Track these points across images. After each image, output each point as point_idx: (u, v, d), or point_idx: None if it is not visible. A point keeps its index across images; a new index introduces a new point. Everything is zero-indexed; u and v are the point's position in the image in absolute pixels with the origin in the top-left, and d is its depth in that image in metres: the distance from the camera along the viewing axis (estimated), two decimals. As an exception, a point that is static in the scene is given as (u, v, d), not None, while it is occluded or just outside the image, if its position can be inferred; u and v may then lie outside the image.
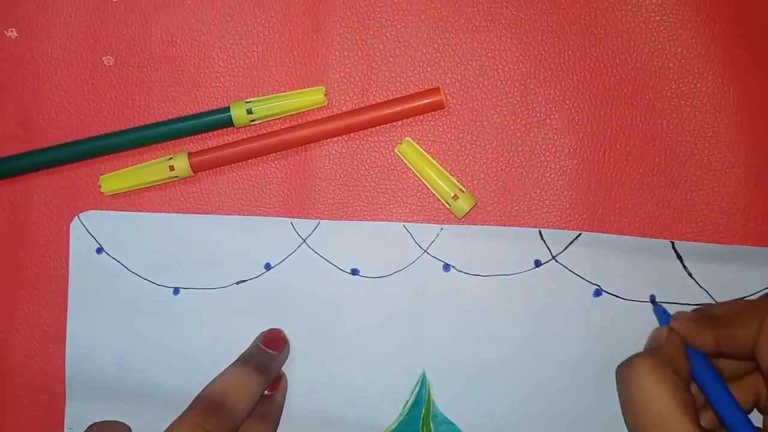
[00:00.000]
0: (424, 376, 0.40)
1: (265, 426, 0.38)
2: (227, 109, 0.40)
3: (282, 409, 0.40)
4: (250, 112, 0.40)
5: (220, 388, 0.36)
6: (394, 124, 0.40)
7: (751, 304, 0.34)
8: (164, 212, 0.42)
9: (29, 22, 0.43)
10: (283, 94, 0.41)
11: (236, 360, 0.38)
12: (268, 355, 0.39)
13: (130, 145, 0.41)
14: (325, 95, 0.40)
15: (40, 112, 0.42)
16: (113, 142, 0.41)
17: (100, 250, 0.42)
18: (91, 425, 0.38)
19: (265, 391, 0.38)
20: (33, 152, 0.41)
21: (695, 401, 0.33)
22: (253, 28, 0.42)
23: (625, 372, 0.34)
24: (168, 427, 0.34)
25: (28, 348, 0.42)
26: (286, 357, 0.40)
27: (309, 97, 0.40)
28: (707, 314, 0.35)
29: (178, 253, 0.41)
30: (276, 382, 0.39)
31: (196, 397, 0.35)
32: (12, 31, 0.43)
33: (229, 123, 0.40)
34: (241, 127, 0.41)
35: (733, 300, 0.37)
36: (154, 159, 0.41)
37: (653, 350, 0.35)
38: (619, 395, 0.34)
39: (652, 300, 0.39)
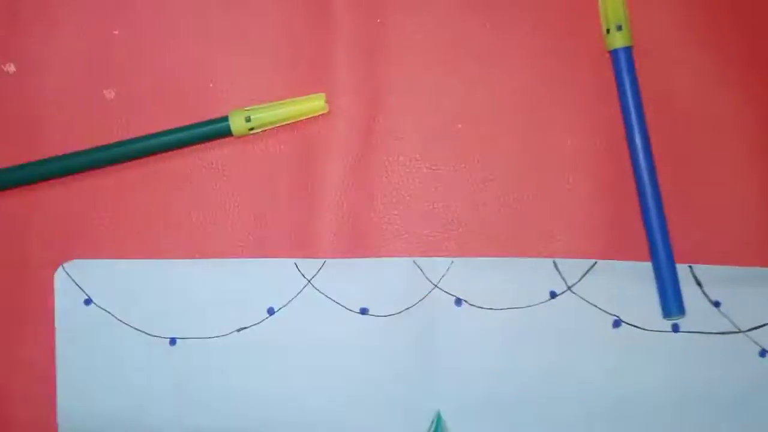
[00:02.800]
0: (439, 417, 0.38)
1: None
2: (225, 119, 0.39)
3: None
4: (248, 120, 0.39)
5: None
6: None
7: None
8: (159, 258, 0.40)
9: (28, 55, 0.41)
10: (283, 101, 0.39)
11: None
12: None
13: (124, 157, 0.39)
14: (327, 102, 0.39)
15: (40, 149, 0.40)
16: (105, 155, 0.39)
17: (88, 302, 0.40)
18: None
19: None
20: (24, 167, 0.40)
21: None
22: (257, 53, 0.40)
23: None
24: None
25: (23, 395, 0.40)
26: None
27: (309, 105, 0.39)
28: None
29: (173, 302, 0.39)
30: None
31: None
32: (10, 65, 0.41)
33: (227, 132, 0.39)
34: (240, 137, 0.39)
35: None
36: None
37: None
38: None
39: (675, 329, 0.38)
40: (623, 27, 0.38)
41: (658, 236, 0.38)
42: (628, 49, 0.38)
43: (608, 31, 0.38)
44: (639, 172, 0.38)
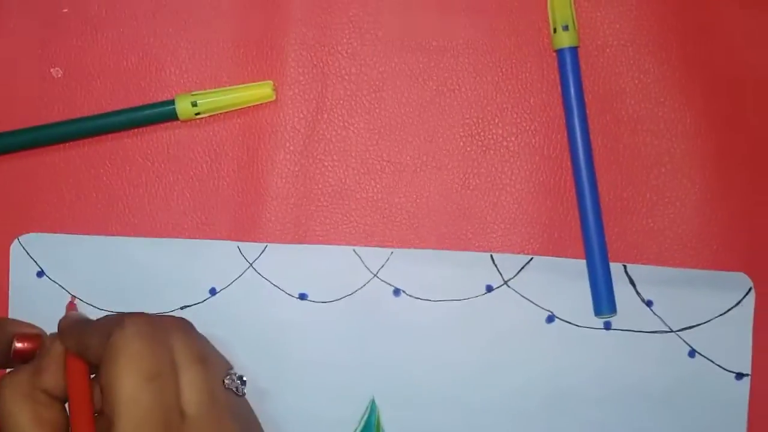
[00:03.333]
0: (373, 402, 0.39)
1: None
2: (172, 102, 0.39)
3: None
4: (195, 104, 0.39)
5: None
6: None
7: (114, 318, 0.32)
8: (108, 235, 0.40)
9: (-27, 32, 0.41)
10: (231, 87, 0.40)
11: None
12: None
13: (70, 136, 0.40)
14: (274, 90, 0.40)
15: None
16: (52, 133, 0.40)
17: (41, 274, 0.41)
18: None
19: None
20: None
21: (61, 419, 0.32)
22: (206, 40, 0.40)
23: None
24: None
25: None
26: None
27: (256, 91, 0.40)
28: (91, 320, 0.34)
29: (121, 277, 0.40)
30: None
31: None
32: (-46, 42, 0.41)
33: (173, 116, 0.39)
34: (186, 121, 0.40)
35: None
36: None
37: (29, 362, 0.34)
38: None
39: (606, 327, 0.39)
40: (570, 27, 0.38)
41: (593, 235, 0.38)
42: (573, 49, 0.38)
43: (555, 30, 0.39)
44: (578, 172, 0.38)
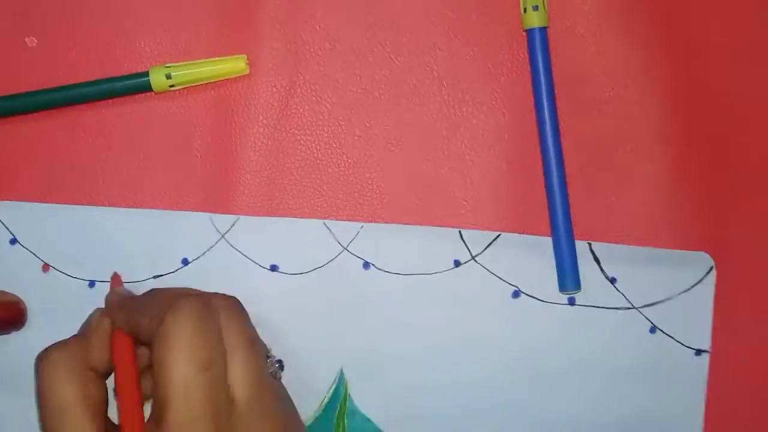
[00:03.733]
0: (341, 373, 0.40)
1: None
2: (146, 74, 0.40)
3: None
4: (169, 77, 0.40)
5: None
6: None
7: (168, 297, 0.33)
8: (81, 204, 0.41)
9: (-55, 0, 0.41)
10: (205, 60, 0.40)
11: None
12: None
13: (45, 105, 0.40)
14: (247, 64, 0.40)
15: None
16: (26, 102, 0.40)
17: (13, 241, 0.41)
18: None
19: None
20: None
21: (104, 395, 0.33)
22: (180, 12, 0.41)
23: (36, 364, 0.34)
24: None
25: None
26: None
27: (230, 65, 0.40)
28: (140, 296, 0.35)
29: (94, 246, 0.41)
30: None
31: None
32: (-74, 9, 0.41)
33: (147, 88, 0.40)
34: (160, 93, 0.40)
35: (178, 288, 0.37)
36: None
37: (75, 336, 0.35)
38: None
39: (571, 302, 0.40)
40: (540, 7, 0.39)
41: (559, 213, 0.39)
42: (543, 30, 0.39)
43: (525, 10, 0.39)
44: (546, 150, 0.39)
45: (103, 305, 0.39)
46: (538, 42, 0.39)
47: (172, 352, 0.30)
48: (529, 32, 0.39)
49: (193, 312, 0.32)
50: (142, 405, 0.34)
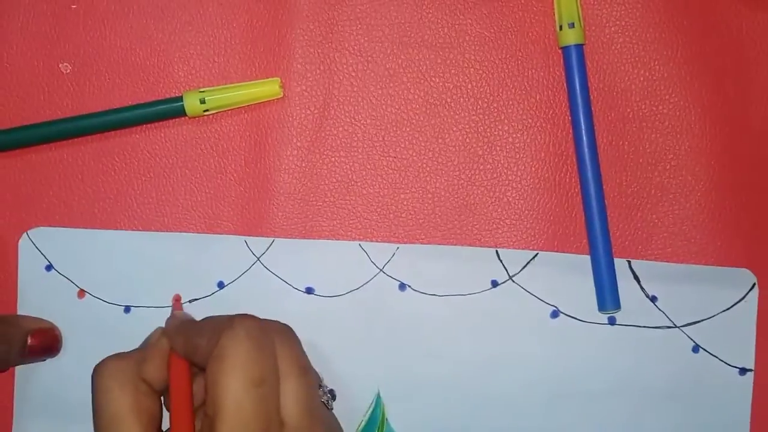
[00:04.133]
0: (378, 396, 0.40)
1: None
2: (180, 99, 0.40)
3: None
4: (203, 101, 0.39)
5: None
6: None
7: (223, 319, 0.33)
8: (115, 229, 0.41)
9: (-17, 27, 0.42)
10: (238, 84, 0.40)
11: None
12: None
13: (79, 132, 0.40)
14: (281, 87, 0.40)
15: None
16: (61, 128, 0.40)
17: (49, 268, 0.41)
18: None
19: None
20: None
21: (157, 409, 0.34)
22: (214, 36, 0.41)
23: (93, 374, 0.34)
24: None
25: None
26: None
27: (264, 88, 0.40)
28: (199, 321, 0.35)
29: (129, 271, 0.41)
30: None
31: None
32: (-37, 34, 0.42)
33: (181, 112, 0.40)
34: (194, 118, 0.40)
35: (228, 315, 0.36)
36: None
37: (137, 350, 0.36)
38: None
39: (611, 322, 0.39)
40: (576, 24, 0.38)
41: (598, 231, 0.38)
42: (579, 47, 0.39)
43: (561, 27, 0.39)
44: (583, 168, 0.39)
45: (138, 330, 0.38)
46: (574, 59, 0.38)
47: (225, 369, 0.31)
48: (565, 50, 0.39)
49: (248, 332, 0.32)
50: (194, 425, 0.34)
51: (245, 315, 0.33)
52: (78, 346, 0.41)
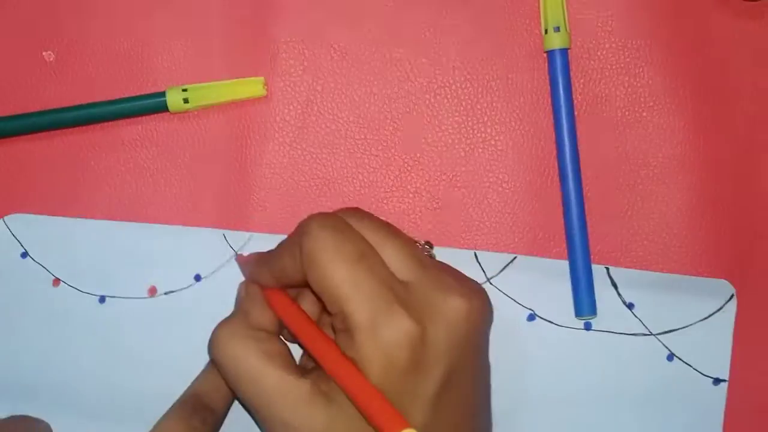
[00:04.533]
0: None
1: None
2: (163, 94, 0.40)
3: None
4: (186, 101, 0.39)
5: (202, 389, 0.36)
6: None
7: (293, 232, 0.33)
8: (93, 218, 0.40)
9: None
10: (222, 82, 0.40)
11: (207, 364, 0.38)
12: None
13: (61, 124, 0.40)
14: (265, 86, 0.40)
15: None
16: (43, 120, 0.40)
17: (24, 255, 0.41)
18: (10, 417, 0.37)
19: None
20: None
21: (284, 349, 0.33)
22: (198, 31, 0.40)
23: (209, 350, 0.34)
24: (158, 424, 0.34)
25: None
26: None
27: (248, 87, 0.40)
28: (268, 251, 0.35)
29: (105, 261, 0.40)
30: None
31: (183, 395, 0.36)
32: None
33: (164, 108, 0.40)
34: (176, 113, 0.40)
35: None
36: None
37: (234, 311, 0.36)
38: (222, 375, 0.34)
39: (587, 327, 0.39)
40: (561, 29, 0.38)
41: (576, 237, 0.38)
42: (564, 51, 0.39)
43: (546, 31, 0.39)
44: (564, 173, 0.39)
45: (112, 320, 0.40)
46: (559, 64, 0.38)
47: (324, 263, 0.31)
48: (550, 54, 0.38)
49: (322, 224, 0.32)
50: (325, 334, 0.33)
51: (310, 216, 0.33)
52: (52, 335, 0.40)
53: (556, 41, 0.38)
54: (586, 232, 0.38)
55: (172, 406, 0.35)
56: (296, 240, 0.32)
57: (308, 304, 0.36)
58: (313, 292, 0.33)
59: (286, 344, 0.34)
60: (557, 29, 0.38)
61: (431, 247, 0.36)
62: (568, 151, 0.38)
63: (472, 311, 0.32)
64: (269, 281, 0.35)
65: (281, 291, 0.35)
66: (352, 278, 0.31)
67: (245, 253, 0.39)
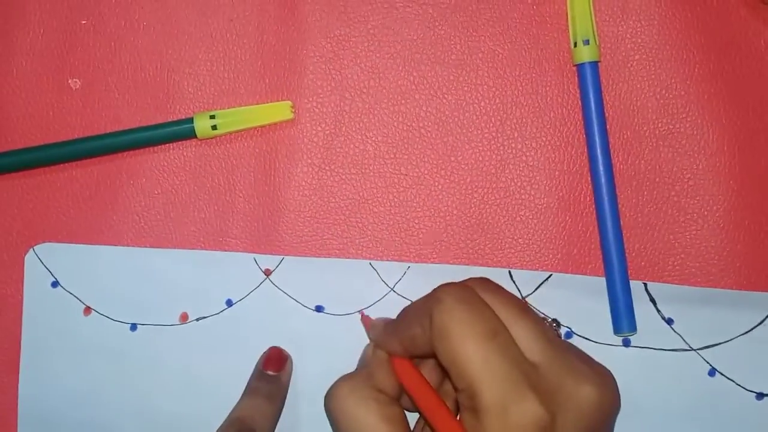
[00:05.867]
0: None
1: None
2: (190, 120, 0.39)
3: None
4: (215, 128, 0.39)
5: (244, 413, 0.36)
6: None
7: (423, 300, 0.33)
8: (123, 245, 0.40)
9: (-7, 41, 0.41)
10: (249, 107, 0.40)
11: (245, 389, 0.38)
12: (270, 380, 0.38)
13: (88, 153, 0.40)
14: (293, 110, 0.39)
15: (3, 137, 0.41)
16: (70, 150, 0.40)
17: (55, 284, 0.40)
18: None
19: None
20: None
21: (403, 414, 0.33)
22: (224, 53, 0.40)
23: (328, 401, 0.33)
24: None
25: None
26: (290, 371, 0.39)
27: (275, 111, 0.40)
28: (397, 317, 0.35)
29: (136, 288, 0.40)
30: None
31: (227, 420, 0.36)
32: (-28, 49, 0.41)
33: (191, 134, 0.39)
34: (204, 140, 0.40)
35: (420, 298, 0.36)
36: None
37: (358, 369, 0.35)
38: (330, 426, 0.34)
39: (626, 344, 0.38)
40: (590, 41, 0.38)
41: (613, 253, 0.38)
42: (594, 64, 0.38)
43: (575, 44, 0.38)
44: (598, 188, 0.38)
45: (144, 348, 0.39)
46: (589, 77, 0.38)
47: (455, 337, 0.30)
48: (580, 67, 0.38)
49: (456, 297, 0.31)
50: (448, 407, 0.33)
51: (442, 285, 0.33)
52: (83, 365, 0.40)
53: (585, 54, 0.38)
54: (623, 247, 0.38)
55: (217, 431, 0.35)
56: (426, 310, 0.32)
57: (428, 370, 0.35)
58: (439, 363, 0.32)
59: (403, 411, 0.34)
60: (587, 42, 0.38)
61: (559, 325, 0.36)
62: (602, 165, 0.38)
63: (603, 400, 0.32)
64: (397, 350, 0.34)
65: (408, 360, 0.35)
66: (484, 357, 0.30)
67: (366, 313, 0.39)
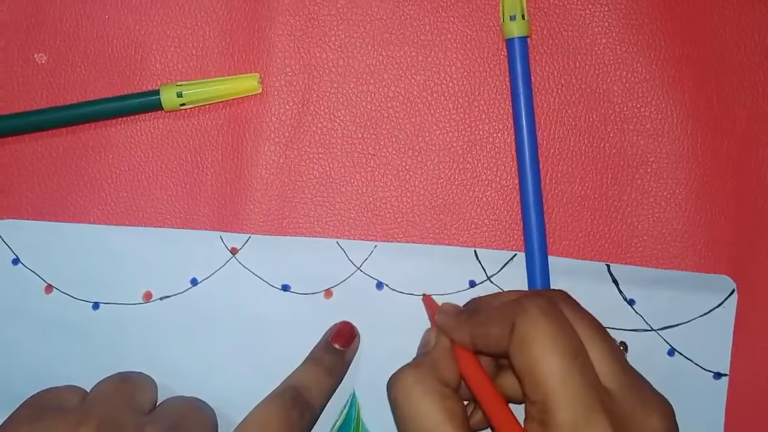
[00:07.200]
0: (353, 396, 0.39)
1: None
2: (157, 92, 0.39)
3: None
4: (180, 95, 0.39)
5: (301, 382, 0.37)
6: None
7: (507, 303, 0.33)
8: (86, 222, 0.40)
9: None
10: (216, 79, 0.39)
11: (308, 358, 0.38)
12: (335, 353, 0.38)
13: (54, 124, 0.39)
14: (260, 83, 0.39)
15: None
16: (35, 120, 0.39)
17: (16, 261, 0.40)
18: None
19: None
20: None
21: (463, 408, 0.33)
22: (192, 29, 0.40)
23: (392, 389, 0.34)
24: (257, 409, 0.35)
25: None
26: (356, 350, 0.39)
27: (242, 84, 0.39)
28: (471, 308, 0.35)
29: (99, 266, 0.39)
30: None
31: (283, 386, 0.37)
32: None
33: (158, 106, 0.39)
34: (171, 112, 0.39)
35: (498, 294, 0.36)
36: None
37: (421, 357, 0.35)
38: (392, 412, 0.34)
39: None
40: (517, 17, 0.38)
41: (533, 228, 0.38)
42: (523, 39, 0.38)
43: (504, 20, 0.39)
44: (522, 163, 0.39)
45: (106, 327, 0.39)
46: (517, 52, 0.38)
47: (540, 348, 0.30)
48: (509, 42, 0.38)
49: (544, 310, 0.31)
50: (513, 414, 0.33)
51: (528, 293, 0.33)
52: (45, 344, 0.39)
53: (514, 30, 0.38)
54: (543, 224, 0.38)
55: (270, 395, 0.36)
56: (509, 315, 0.32)
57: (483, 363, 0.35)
58: (513, 369, 0.32)
59: (464, 405, 0.34)
60: (513, 17, 0.38)
61: (626, 349, 0.36)
62: (527, 141, 0.38)
63: (669, 431, 0.32)
64: (465, 342, 0.34)
65: (472, 353, 0.34)
66: (564, 374, 0.30)
67: (427, 294, 0.39)
